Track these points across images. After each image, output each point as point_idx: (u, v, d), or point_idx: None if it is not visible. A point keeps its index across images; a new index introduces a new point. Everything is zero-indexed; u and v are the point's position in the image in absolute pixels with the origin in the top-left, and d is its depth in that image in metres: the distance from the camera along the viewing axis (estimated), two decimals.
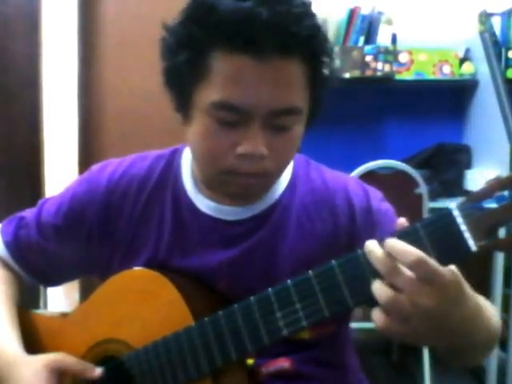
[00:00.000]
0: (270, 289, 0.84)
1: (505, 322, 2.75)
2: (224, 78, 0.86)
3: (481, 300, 0.87)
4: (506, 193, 0.72)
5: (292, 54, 0.85)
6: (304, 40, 0.85)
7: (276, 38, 0.83)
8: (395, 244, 0.73)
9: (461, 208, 0.74)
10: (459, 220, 0.73)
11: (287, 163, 0.96)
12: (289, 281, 0.83)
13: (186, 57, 0.88)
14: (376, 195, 1.04)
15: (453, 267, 0.76)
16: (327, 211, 1.01)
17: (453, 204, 0.74)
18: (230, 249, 1.00)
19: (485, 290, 2.88)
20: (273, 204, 1.01)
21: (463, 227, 0.73)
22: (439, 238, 0.74)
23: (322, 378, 1.01)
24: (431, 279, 0.72)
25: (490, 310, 0.90)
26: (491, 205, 0.73)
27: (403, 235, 0.75)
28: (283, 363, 0.98)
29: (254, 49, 0.83)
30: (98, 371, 0.99)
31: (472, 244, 0.73)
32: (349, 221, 1.01)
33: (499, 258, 2.66)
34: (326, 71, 0.92)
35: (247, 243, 1.00)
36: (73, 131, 2.79)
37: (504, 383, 2.73)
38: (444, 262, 0.74)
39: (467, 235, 0.73)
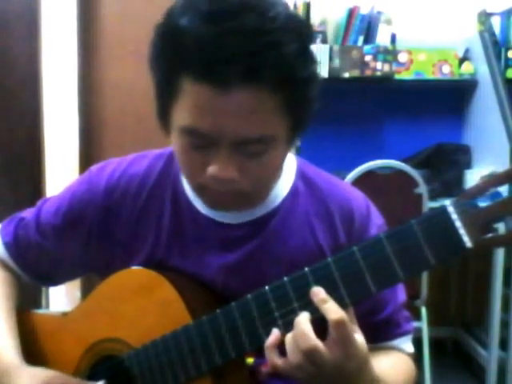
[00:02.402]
0: (266, 286, 0.84)
1: (505, 322, 2.75)
2: (190, 103, 0.84)
3: None
4: (500, 189, 0.73)
5: (259, 82, 0.81)
6: (271, 69, 0.80)
7: (237, 68, 0.79)
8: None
9: (456, 205, 0.74)
10: (454, 217, 0.74)
11: (267, 183, 0.95)
12: (285, 278, 0.83)
13: (159, 75, 0.88)
14: (377, 221, 1.04)
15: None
16: (329, 223, 1.01)
17: (448, 201, 0.75)
18: (228, 252, 0.99)
19: (484, 289, 2.88)
20: (274, 209, 1.00)
21: (458, 224, 0.74)
22: (434, 234, 0.75)
23: None
24: (344, 343, 0.78)
25: None
26: (486, 201, 0.74)
27: (396, 232, 0.77)
28: None
29: (217, 78, 0.80)
30: None
31: (467, 240, 0.73)
32: (346, 236, 1.01)
33: (499, 258, 2.66)
34: (308, 93, 0.88)
35: (246, 247, 0.99)
36: (73, 130, 2.79)
37: (504, 383, 2.73)
38: (440, 258, 0.75)
39: (462, 232, 0.73)
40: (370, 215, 1.03)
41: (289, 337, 0.80)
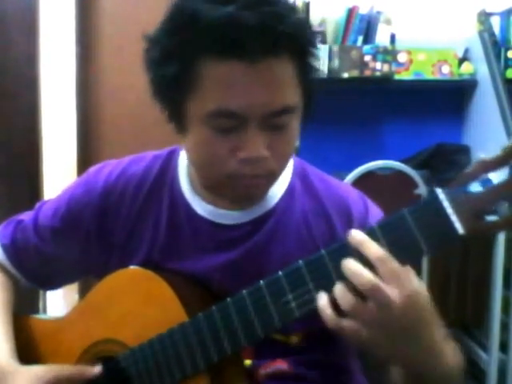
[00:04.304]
0: (261, 281, 0.84)
1: (505, 324, 2.74)
2: (216, 84, 0.85)
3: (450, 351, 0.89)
4: (490, 176, 0.73)
5: (280, 52, 0.85)
6: (291, 38, 0.84)
7: (263, 39, 0.82)
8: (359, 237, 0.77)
9: (447, 192, 0.74)
10: (445, 204, 0.74)
11: (287, 161, 0.96)
12: (280, 272, 0.83)
13: (174, 68, 0.87)
14: (376, 214, 1.04)
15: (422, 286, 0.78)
16: (326, 222, 1.01)
17: (439, 188, 0.75)
18: (226, 253, 0.99)
19: (484, 291, 2.87)
20: (270, 209, 1.00)
21: (449, 210, 0.74)
22: (427, 222, 0.75)
23: (321, 379, 1.00)
24: (396, 277, 0.75)
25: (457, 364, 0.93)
26: (477, 188, 0.74)
27: (389, 222, 0.77)
28: (281, 365, 0.98)
29: (242, 52, 0.82)
30: (96, 368, 0.99)
31: (459, 227, 0.73)
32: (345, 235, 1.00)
33: (499, 259, 2.66)
34: (314, 63, 0.92)
35: (243, 248, 0.99)
36: (71, 131, 2.79)
37: None
38: (433, 245, 0.75)
39: (454, 218, 0.73)
40: (368, 212, 1.03)
41: (339, 287, 0.77)
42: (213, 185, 0.95)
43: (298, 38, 0.86)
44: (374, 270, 0.76)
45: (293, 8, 0.88)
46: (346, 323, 0.76)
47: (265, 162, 0.88)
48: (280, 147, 0.90)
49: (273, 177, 0.94)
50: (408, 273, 0.77)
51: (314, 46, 0.91)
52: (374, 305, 0.75)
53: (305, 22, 0.90)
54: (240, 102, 0.84)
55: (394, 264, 0.75)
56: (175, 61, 0.87)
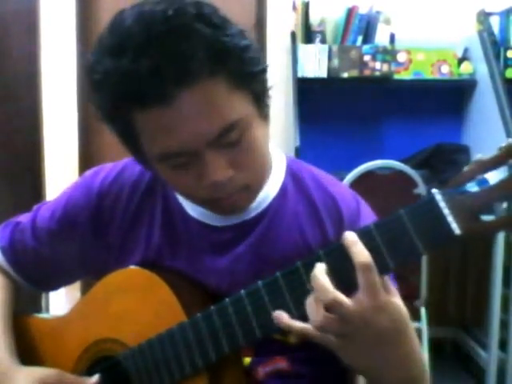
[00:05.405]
0: (259, 282, 0.84)
1: (504, 322, 2.75)
2: (151, 133, 0.85)
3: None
4: (486, 176, 0.73)
5: (197, 78, 0.80)
6: (201, 59, 0.80)
7: (168, 79, 0.79)
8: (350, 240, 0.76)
9: (443, 192, 0.74)
10: (442, 204, 0.74)
11: (261, 169, 0.94)
12: (278, 273, 0.83)
13: (114, 126, 0.89)
14: (368, 215, 1.03)
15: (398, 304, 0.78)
16: (317, 221, 1.00)
17: (435, 189, 0.75)
18: (219, 256, 0.99)
19: (484, 290, 2.88)
20: (263, 210, 1.00)
21: (446, 211, 0.74)
22: (423, 222, 0.75)
23: (320, 377, 1.00)
24: (372, 288, 0.74)
25: None
26: (473, 188, 0.74)
27: (386, 222, 0.77)
28: (280, 363, 0.98)
29: (156, 98, 0.80)
30: (94, 378, 1.00)
31: (455, 227, 0.73)
32: (336, 235, 0.99)
33: (498, 258, 2.66)
34: (247, 58, 0.85)
35: (236, 250, 0.99)
36: (73, 130, 2.79)
37: None
38: (429, 246, 0.75)
39: (450, 219, 0.73)
40: (360, 213, 1.01)
41: (309, 298, 0.78)
42: (197, 204, 0.96)
43: (210, 54, 0.80)
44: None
45: (194, 28, 0.80)
46: (311, 332, 0.77)
47: (232, 181, 0.87)
48: (244, 160, 0.88)
49: (250, 188, 0.92)
50: (387, 290, 0.76)
51: (233, 45, 0.83)
52: (337, 317, 0.75)
53: (218, 28, 0.82)
54: (178, 142, 0.83)
55: (374, 275, 0.75)
56: (111, 120, 0.89)
